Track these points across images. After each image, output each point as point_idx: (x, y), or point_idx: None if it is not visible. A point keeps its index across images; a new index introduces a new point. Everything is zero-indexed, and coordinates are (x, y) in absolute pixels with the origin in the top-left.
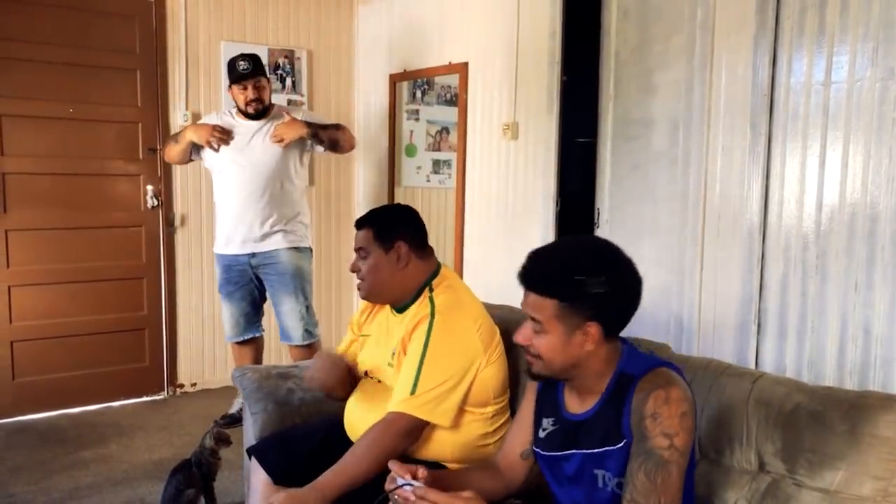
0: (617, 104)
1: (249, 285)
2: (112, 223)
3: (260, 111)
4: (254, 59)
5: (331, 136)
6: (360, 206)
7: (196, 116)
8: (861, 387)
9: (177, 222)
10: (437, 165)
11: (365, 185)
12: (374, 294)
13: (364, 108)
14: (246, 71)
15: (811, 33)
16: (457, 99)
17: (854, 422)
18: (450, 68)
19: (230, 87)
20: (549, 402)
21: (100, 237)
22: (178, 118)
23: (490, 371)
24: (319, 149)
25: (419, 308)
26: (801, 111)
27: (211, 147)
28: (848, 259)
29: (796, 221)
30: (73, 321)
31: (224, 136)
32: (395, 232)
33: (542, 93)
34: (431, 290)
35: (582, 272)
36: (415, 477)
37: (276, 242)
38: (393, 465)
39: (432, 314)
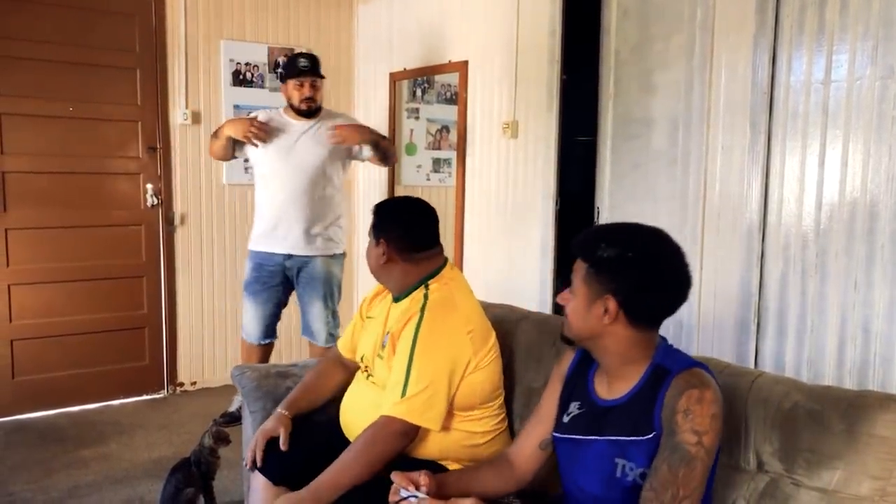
0: (617, 103)
1: (278, 288)
2: (112, 222)
3: (312, 110)
4: (314, 59)
5: (386, 148)
6: (361, 205)
7: (196, 115)
8: (860, 385)
9: (177, 221)
10: (438, 164)
11: (365, 183)
12: (373, 275)
13: (364, 107)
14: (306, 68)
15: (811, 32)
16: (457, 97)
17: (852, 421)
18: (450, 67)
19: (285, 81)
20: (578, 385)
21: (100, 236)
22: (177, 117)
23: (479, 376)
24: (366, 154)
25: (412, 303)
26: (800, 110)
27: (250, 142)
28: (847, 258)
29: (796, 220)
30: (73, 320)
31: (261, 131)
32: (381, 230)
33: (542, 91)
34: (427, 288)
35: (611, 242)
36: (417, 486)
37: (314, 248)
38: (395, 477)
39: (422, 311)
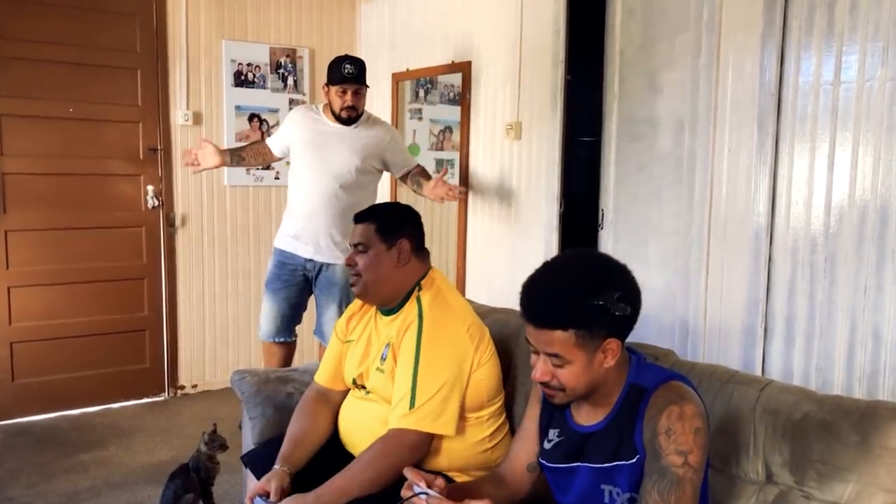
0: (622, 104)
1: (296, 287)
2: (112, 223)
3: (351, 118)
4: (360, 64)
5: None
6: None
7: (197, 116)
8: (870, 393)
9: (177, 223)
10: (441, 165)
11: None
12: (368, 291)
13: (367, 108)
14: (350, 75)
15: (820, 32)
16: (460, 98)
17: (865, 432)
18: (453, 67)
19: (327, 85)
20: (556, 412)
21: (100, 238)
22: (178, 118)
23: (482, 372)
24: (409, 177)
25: (408, 311)
26: (809, 111)
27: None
28: (857, 262)
29: (804, 223)
30: (73, 322)
31: (190, 156)
32: (399, 228)
33: (546, 92)
34: (420, 290)
35: (597, 294)
36: (430, 486)
37: (336, 257)
38: (409, 472)
39: (420, 318)
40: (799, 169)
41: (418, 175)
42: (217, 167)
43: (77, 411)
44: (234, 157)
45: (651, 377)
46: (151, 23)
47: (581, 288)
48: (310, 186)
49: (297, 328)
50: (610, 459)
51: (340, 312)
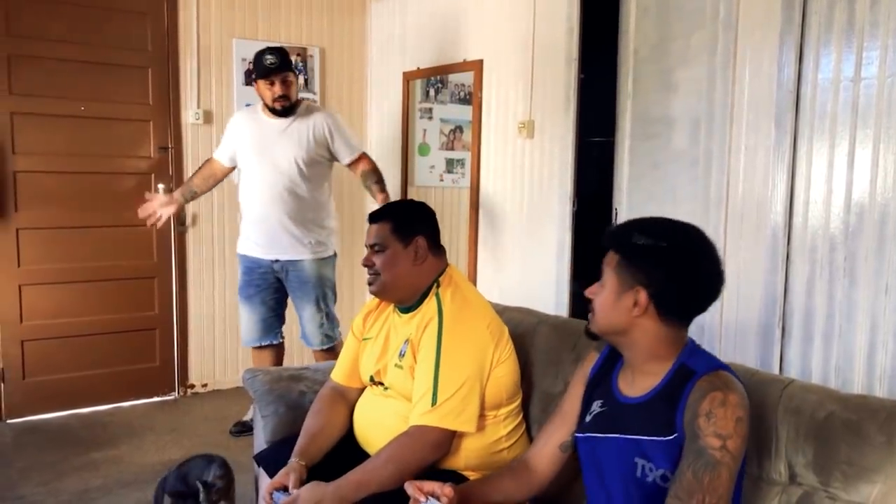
0: (636, 102)
1: (270, 289)
2: (123, 222)
3: (287, 108)
4: (281, 52)
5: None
6: (372, 206)
7: (208, 114)
8: (891, 393)
9: (188, 222)
10: (451, 164)
11: None
12: (386, 290)
13: (377, 107)
14: (273, 65)
15: (840, 28)
16: (470, 97)
17: (892, 433)
18: (464, 66)
19: (256, 81)
20: (602, 385)
21: (111, 236)
22: (189, 116)
23: (502, 369)
24: (339, 159)
25: (427, 308)
26: (828, 108)
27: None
28: (878, 261)
29: (823, 222)
30: (84, 321)
31: (149, 213)
32: (415, 226)
33: (559, 91)
34: (438, 287)
35: (645, 232)
36: (438, 497)
37: (300, 252)
38: (409, 488)
39: (440, 314)
40: (818, 167)
41: (369, 177)
42: (177, 212)
43: (88, 410)
44: (187, 193)
45: (702, 363)
46: (163, 22)
47: (644, 223)
48: (260, 187)
49: (284, 329)
50: (647, 433)
51: (319, 309)
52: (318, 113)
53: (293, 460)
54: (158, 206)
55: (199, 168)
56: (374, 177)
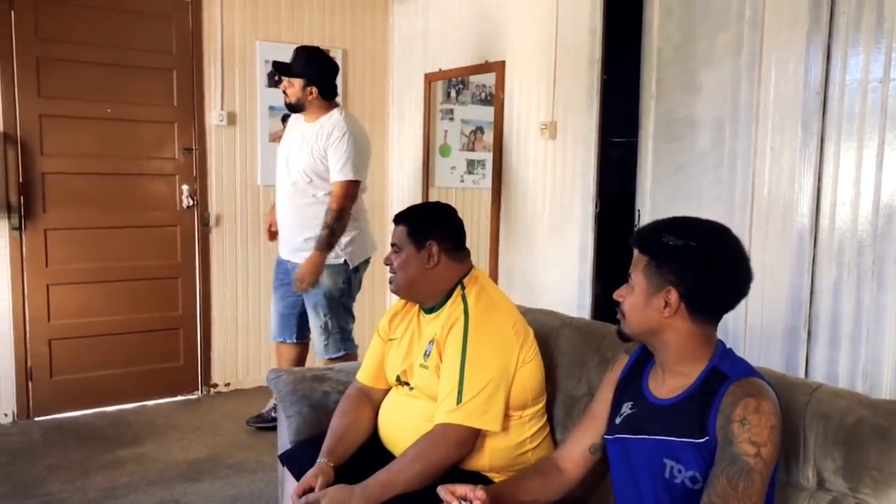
0: (659, 103)
1: (287, 287)
2: (148, 223)
3: (293, 107)
4: (290, 62)
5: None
6: (394, 207)
7: (231, 116)
8: None
9: (212, 222)
10: (472, 165)
11: (398, 185)
12: (404, 290)
13: (398, 108)
14: (276, 69)
15: (868, 28)
16: (492, 98)
17: None
18: (486, 67)
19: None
20: (632, 386)
21: (136, 236)
22: (213, 118)
23: (527, 370)
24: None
25: (452, 308)
26: (856, 109)
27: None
28: None
29: (851, 224)
30: (110, 320)
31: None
32: (428, 231)
33: (582, 91)
34: (464, 289)
35: (675, 232)
36: (470, 501)
37: (305, 256)
38: (442, 491)
39: (466, 315)
40: (845, 168)
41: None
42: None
43: (113, 408)
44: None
45: (735, 368)
46: (187, 24)
47: (672, 223)
48: (279, 188)
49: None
50: (677, 434)
51: (318, 316)
52: (336, 119)
53: (321, 460)
54: (274, 222)
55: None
56: (325, 220)
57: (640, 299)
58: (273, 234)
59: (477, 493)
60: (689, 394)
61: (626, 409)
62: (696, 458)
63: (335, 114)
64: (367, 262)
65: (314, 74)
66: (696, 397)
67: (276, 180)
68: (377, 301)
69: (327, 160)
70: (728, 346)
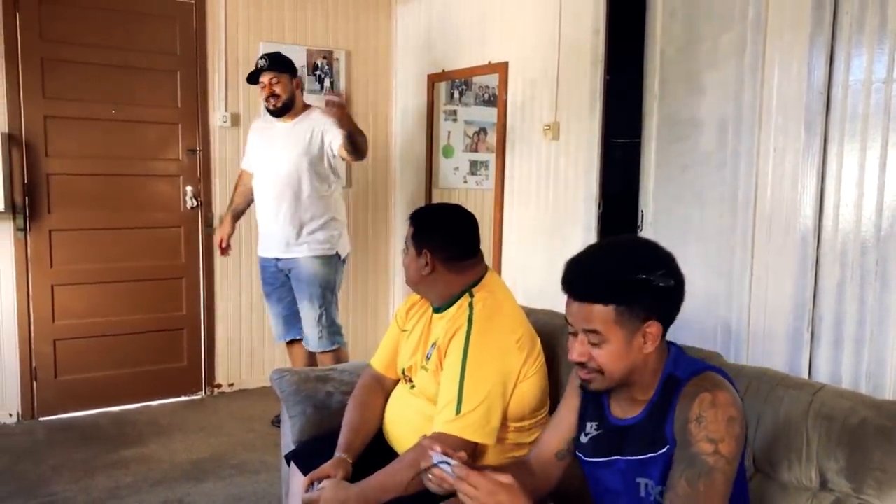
0: (662, 104)
1: (284, 288)
2: (152, 223)
3: (279, 107)
4: (273, 56)
5: (361, 144)
6: (397, 208)
7: (235, 117)
8: None
9: (215, 223)
10: (475, 166)
11: (401, 186)
12: (411, 287)
13: (402, 109)
14: (262, 67)
15: (871, 30)
16: (495, 99)
17: None
18: (489, 68)
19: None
20: (593, 405)
21: (140, 237)
22: (217, 119)
23: (528, 385)
24: (335, 146)
25: (457, 313)
26: (860, 110)
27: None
28: None
29: (854, 225)
30: (114, 320)
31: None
32: (424, 239)
33: (585, 92)
34: (472, 296)
35: (642, 269)
36: (451, 457)
37: (299, 251)
38: (426, 441)
39: (470, 322)
40: (848, 169)
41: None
42: (232, 232)
43: (117, 408)
44: (235, 213)
45: (686, 368)
46: (191, 26)
47: (625, 262)
48: (265, 189)
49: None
50: (644, 451)
51: (313, 307)
52: (317, 111)
53: (340, 455)
54: (226, 237)
55: (235, 185)
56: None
57: (618, 349)
58: (225, 250)
59: (459, 454)
60: (651, 408)
61: (592, 429)
62: (660, 471)
63: (311, 108)
64: (346, 259)
65: (294, 68)
66: (656, 409)
67: (255, 185)
68: (379, 301)
69: (330, 145)
70: (729, 347)
